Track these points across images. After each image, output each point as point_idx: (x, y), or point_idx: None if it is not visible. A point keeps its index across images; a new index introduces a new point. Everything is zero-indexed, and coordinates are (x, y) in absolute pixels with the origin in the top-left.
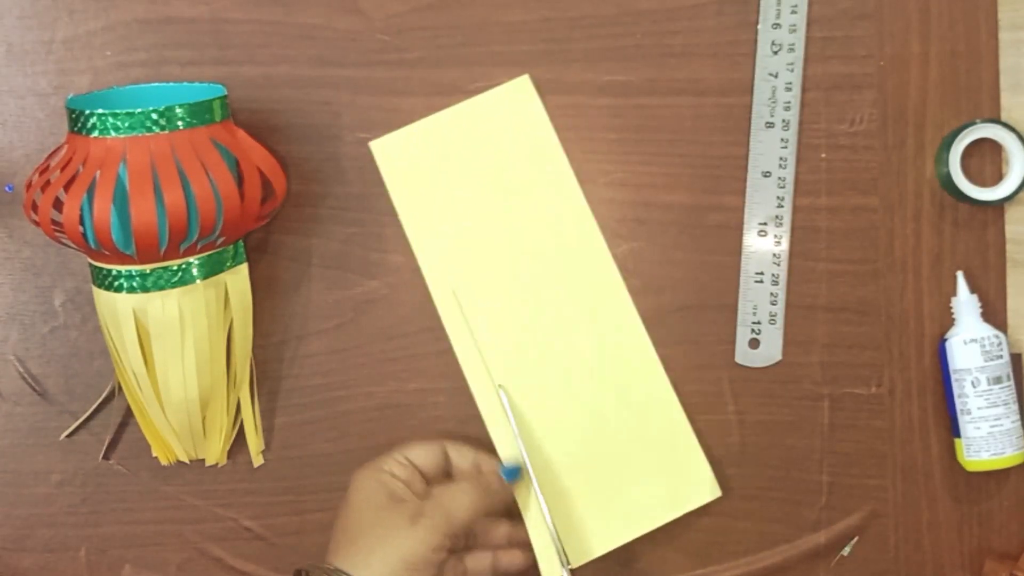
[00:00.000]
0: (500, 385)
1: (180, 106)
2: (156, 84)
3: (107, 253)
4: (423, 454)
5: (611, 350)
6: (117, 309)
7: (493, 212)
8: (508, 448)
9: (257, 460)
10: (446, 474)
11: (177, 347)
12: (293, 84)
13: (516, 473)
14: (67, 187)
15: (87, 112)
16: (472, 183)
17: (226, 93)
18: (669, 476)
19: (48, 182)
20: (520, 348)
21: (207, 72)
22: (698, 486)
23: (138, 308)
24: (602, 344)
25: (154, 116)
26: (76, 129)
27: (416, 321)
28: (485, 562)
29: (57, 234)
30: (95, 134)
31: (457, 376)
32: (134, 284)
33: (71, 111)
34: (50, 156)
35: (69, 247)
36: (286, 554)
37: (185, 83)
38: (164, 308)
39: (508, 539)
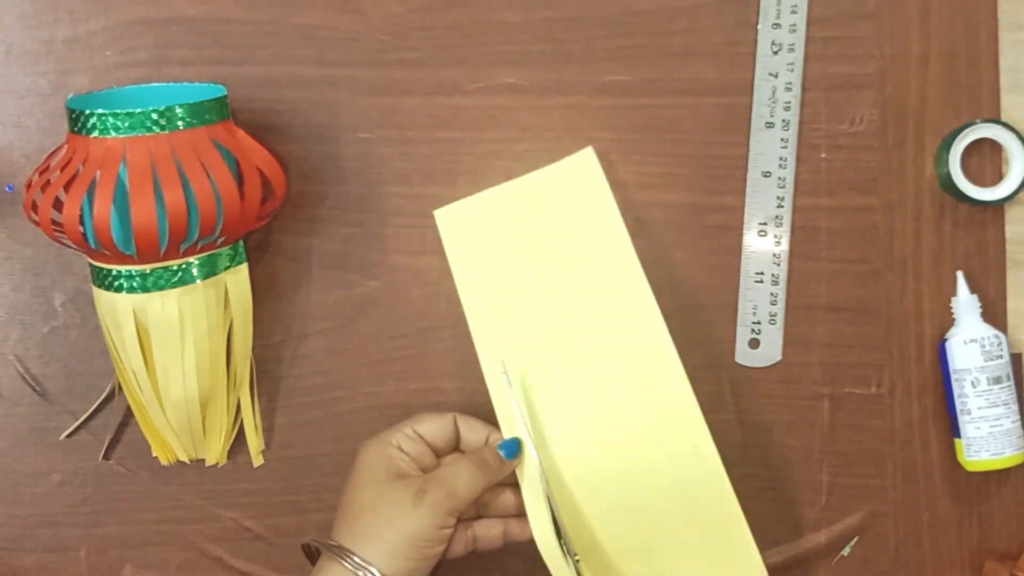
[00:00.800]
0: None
1: (180, 106)
2: (156, 84)
3: (107, 253)
4: (433, 427)
5: (665, 431)
6: (117, 309)
7: (551, 286)
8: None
9: (257, 460)
10: (456, 448)
11: (177, 347)
12: (293, 84)
13: (515, 448)
14: (67, 187)
15: (87, 112)
16: (532, 255)
17: (226, 93)
18: (714, 557)
19: (48, 182)
20: (571, 426)
21: (207, 72)
22: (745, 571)
23: (138, 308)
24: (657, 426)
25: (154, 116)
26: (76, 129)
27: (416, 321)
28: (495, 530)
29: (57, 234)
30: (95, 134)
31: (457, 376)
32: (134, 284)
33: (71, 111)
34: (50, 156)
35: (69, 247)
36: (286, 554)
37: (185, 83)
38: (164, 308)
39: (517, 508)
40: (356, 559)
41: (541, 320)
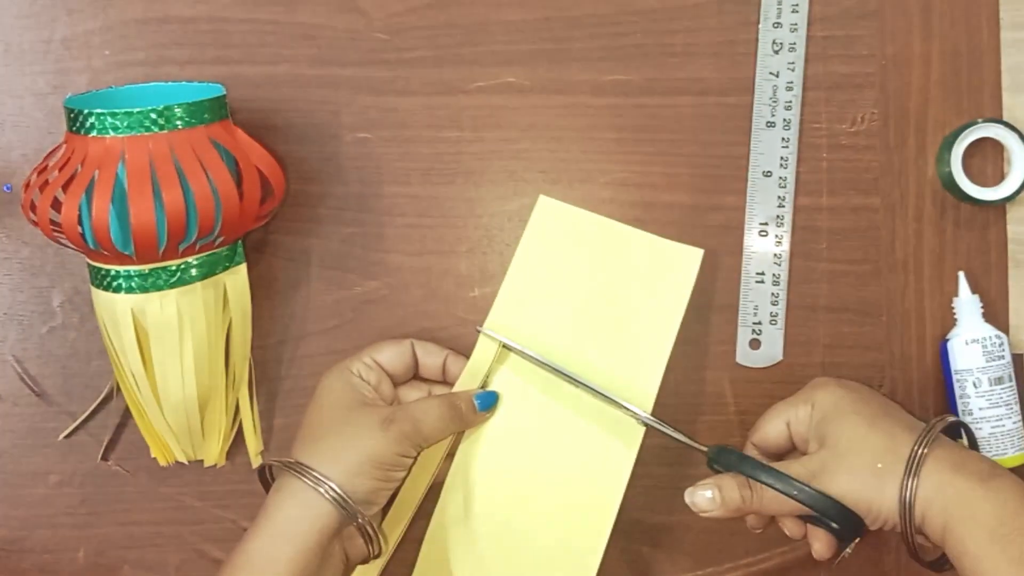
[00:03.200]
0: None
1: (179, 106)
2: (155, 84)
3: (106, 253)
4: (392, 355)
5: (572, 521)
6: (116, 309)
7: (581, 331)
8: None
9: (256, 461)
10: (416, 375)
11: (176, 347)
12: (292, 84)
13: (491, 401)
14: (65, 187)
15: (85, 112)
16: (589, 292)
17: (225, 93)
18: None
19: (46, 182)
20: (504, 448)
21: (206, 72)
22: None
23: (136, 308)
24: (568, 512)
25: (152, 116)
26: (74, 129)
27: (416, 321)
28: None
29: (56, 234)
30: (93, 134)
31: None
32: (132, 284)
33: (69, 111)
34: (48, 156)
35: (68, 247)
36: None
37: (184, 82)
38: (163, 308)
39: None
40: (315, 474)
41: (553, 347)
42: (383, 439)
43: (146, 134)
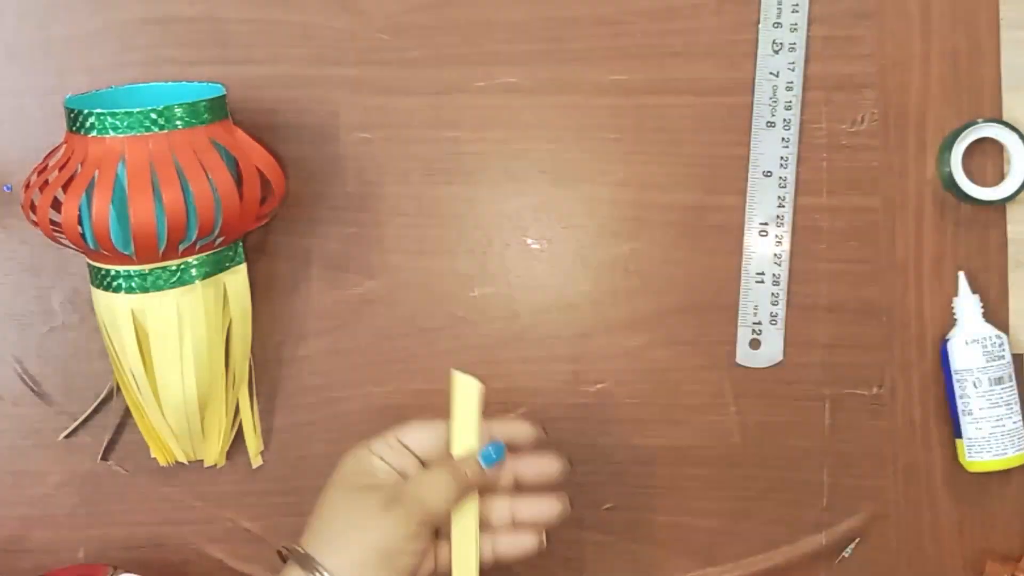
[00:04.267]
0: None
1: (179, 106)
2: (155, 84)
3: (106, 253)
4: (421, 436)
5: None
6: (115, 309)
7: None
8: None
9: (256, 461)
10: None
11: (175, 347)
12: (292, 83)
13: (492, 458)
14: (65, 187)
15: (85, 112)
16: None
17: (225, 93)
18: None
19: (47, 182)
20: None
21: (206, 71)
22: None
23: (136, 308)
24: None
25: (153, 116)
26: (74, 129)
27: (416, 321)
28: (485, 546)
29: (56, 234)
30: (93, 134)
31: None
32: (132, 284)
33: (69, 110)
34: (48, 156)
35: (68, 247)
36: None
37: (184, 82)
38: (162, 308)
39: (511, 518)
40: (320, 569)
41: None
42: (387, 524)
43: (146, 134)
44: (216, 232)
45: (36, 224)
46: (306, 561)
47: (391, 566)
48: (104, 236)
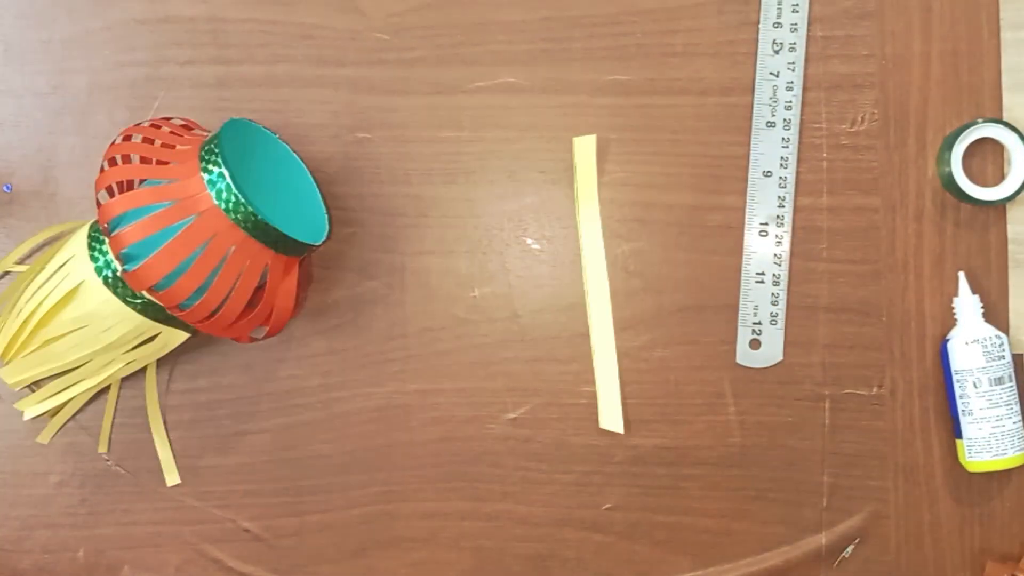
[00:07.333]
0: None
1: (291, 239)
2: (283, 145)
3: (125, 268)
4: None
5: None
6: (78, 261)
7: None
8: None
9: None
10: None
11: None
12: (292, 83)
13: None
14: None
15: (225, 175)
16: None
17: (323, 241)
18: None
19: (127, 157)
20: None
21: (206, 72)
22: None
23: (89, 287)
24: None
25: (265, 227)
26: (204, 166)
27: (416, 321)
28: None
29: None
30: (212, 192)
31: (457, 377)
32: (108, 279)
33: (211, 149)
34: (155, 125)
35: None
36: (285, 555)
37: (300, 161)
38: (104, 305)
39: None
40: None
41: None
42: None
43: (242, 230)
44: (206, 318)
45: (101, 171)
46: None
47: None
48: (147, 280)
